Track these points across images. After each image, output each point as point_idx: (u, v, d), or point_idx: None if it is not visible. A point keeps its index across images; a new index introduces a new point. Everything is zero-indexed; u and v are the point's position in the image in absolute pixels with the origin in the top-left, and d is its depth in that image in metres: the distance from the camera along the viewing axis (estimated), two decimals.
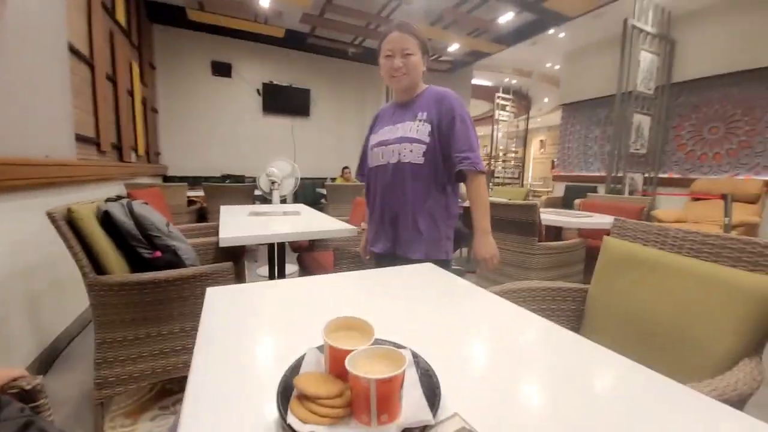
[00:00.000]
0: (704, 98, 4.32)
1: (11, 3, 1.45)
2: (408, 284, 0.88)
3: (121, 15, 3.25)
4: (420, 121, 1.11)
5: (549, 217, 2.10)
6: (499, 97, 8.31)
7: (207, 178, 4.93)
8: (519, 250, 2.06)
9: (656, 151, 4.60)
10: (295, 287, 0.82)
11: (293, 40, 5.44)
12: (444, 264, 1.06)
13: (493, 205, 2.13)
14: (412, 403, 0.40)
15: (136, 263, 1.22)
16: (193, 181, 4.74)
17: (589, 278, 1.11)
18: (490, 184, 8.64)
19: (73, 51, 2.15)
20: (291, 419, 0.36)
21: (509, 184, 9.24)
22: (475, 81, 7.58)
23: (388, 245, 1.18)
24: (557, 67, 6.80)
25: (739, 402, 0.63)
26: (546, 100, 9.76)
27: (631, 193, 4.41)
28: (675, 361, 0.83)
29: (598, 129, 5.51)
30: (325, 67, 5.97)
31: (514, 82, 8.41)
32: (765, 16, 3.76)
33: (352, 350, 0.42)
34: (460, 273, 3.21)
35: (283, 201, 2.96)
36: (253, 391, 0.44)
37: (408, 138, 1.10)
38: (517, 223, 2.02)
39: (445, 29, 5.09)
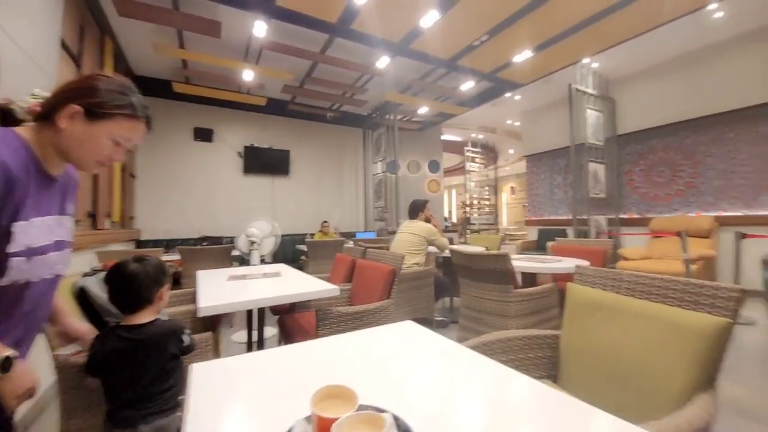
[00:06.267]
0: (648, 147, 4.85)
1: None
2: (388, 345, 0.91)
3: None
4: (70, 216, 0.86)
5: (520, 264, 2.20)
6: (468, 150, 8.93)
7: (184, 241, 4.85)
8: (497, 299, 2.12)
9: (614, 194, 5.01)
10: (278, 357, 0.83)
11: (275, 107, 5.81)
12: None
13: (470, 256, 2.24)
14: None
15: None
16: (168, 245, 4.65)
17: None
18: (467, 231, 8.89)
19: None
20: None
21: (486, 230, 9.55)
22: (444, 137, 8.19)
23: None
24: (517, 123, 7.50)
25: None
26: (511, 151, 10.56)
27: (597, 234, 4.68)
28: (640, 398, 0.88)
29: (560, 176, 5.98)
30: (304, 130, 6.34)
31: (480, 136, 9.12)
32: (688, 78, 4.42)
33: (338, 418, 0.46)
34: (444, 324, 3.18)
35: (263, 261, 2.95)
36: None
37: (66, 243, 0.83)
38: (492, 272, 2.10)
39: (415, 95, 5.61)
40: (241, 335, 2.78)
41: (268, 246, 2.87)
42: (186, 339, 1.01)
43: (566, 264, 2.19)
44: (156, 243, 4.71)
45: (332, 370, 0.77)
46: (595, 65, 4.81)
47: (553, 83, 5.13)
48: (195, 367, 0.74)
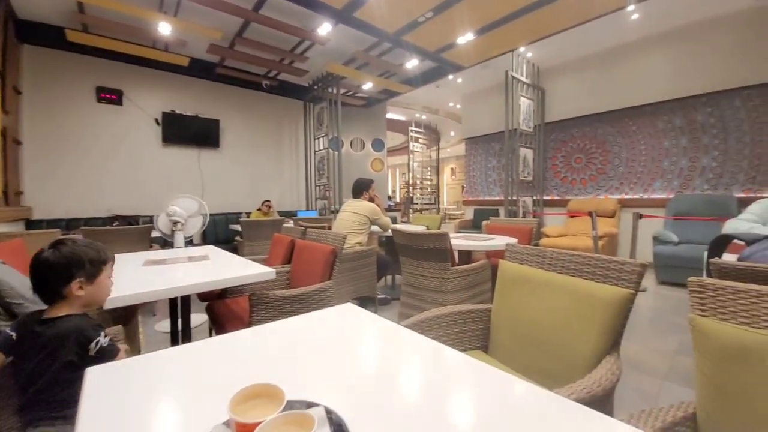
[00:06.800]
0: (569, 135, 5.34)
1: None
2: (326, 331, 0.87)
3: None
4: None
5: (458, 242, 2.30)
6: (412, 130, 9.01)
7: (89, 221, 4.21)
8: (437, 276, 2.20)
9: (539, 178, 5.48)
10: (201, 351, 0.74)
11: (200, 69, 5.17)
12: None
13: (411, 235, 2.27)
14: None
15: None
16: (69, 225, 4.00)
17: None
18: (410, 210, 9.11)
19: None
20: None
21: (428, 209, 9.88)
22: (389, 115, 8.12)
23: None
24: (458, 106, 7.72)
25: (604, 395, 0.77)
26: (452, 133, 10.91)
27: (524, 214, 5.11)
28: (558, 362, 0.96)
29: (495, 159, 6.35)
30: (236, 98, 5.76)
31: (424, 117, 9.23)
32: (604, 73, 4.90)
33: (260, 422, 0.40)
34: (386, 301, 3.22)
35: (189, 243, 2.68)
36: None
37: None
38: (432, 250, 2.16)
39: (359, 69, 5.40)
40: (165, 324, 2.52)
41: (195, 226, 2.60)
42: (92, 347, 0.85)
43: (498, 242, 2.34)
44: (52, 223, 4.00)
45: (263, 361, 0.71)
46: (529, 54, 5.08)
47: (491, 69, 5.32)
48: (91, 372, 0.62)
